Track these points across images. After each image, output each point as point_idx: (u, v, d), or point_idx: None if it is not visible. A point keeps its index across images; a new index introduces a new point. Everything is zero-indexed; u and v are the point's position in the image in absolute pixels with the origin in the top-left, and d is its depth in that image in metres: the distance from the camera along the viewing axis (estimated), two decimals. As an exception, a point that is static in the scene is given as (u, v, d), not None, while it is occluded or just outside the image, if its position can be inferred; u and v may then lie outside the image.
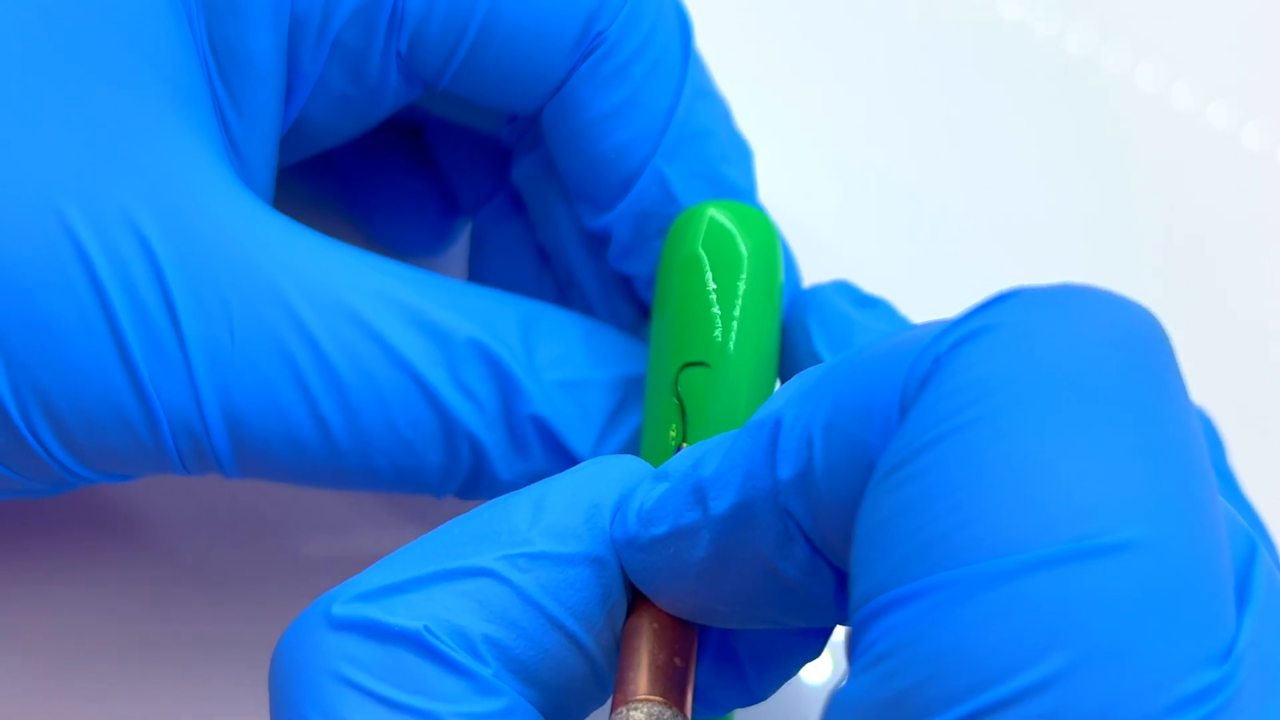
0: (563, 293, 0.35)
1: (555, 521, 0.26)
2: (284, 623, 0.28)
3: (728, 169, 0.32)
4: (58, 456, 0.29)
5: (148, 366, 0.28)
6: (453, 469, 0.30)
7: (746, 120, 0.34)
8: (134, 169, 0.29)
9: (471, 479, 0.31)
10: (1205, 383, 0.29)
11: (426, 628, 0.24)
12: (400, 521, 0.38)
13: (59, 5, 0.29)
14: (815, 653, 0.28)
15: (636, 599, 0.26)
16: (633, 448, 0.31)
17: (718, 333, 0.30)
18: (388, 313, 0.30)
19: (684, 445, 0.30)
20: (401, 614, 0.24)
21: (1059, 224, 0.43)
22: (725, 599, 0.25)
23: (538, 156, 0.34)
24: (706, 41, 0.33)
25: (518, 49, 0.31)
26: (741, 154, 0.32)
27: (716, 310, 0.30)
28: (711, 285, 0.30)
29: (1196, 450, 0.20)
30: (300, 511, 0.38)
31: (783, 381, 0.32)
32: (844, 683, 0.21)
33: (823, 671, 0.37)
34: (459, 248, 0.40)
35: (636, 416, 0.32)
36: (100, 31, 0.29)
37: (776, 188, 0.36)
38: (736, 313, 0.30)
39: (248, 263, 0.29)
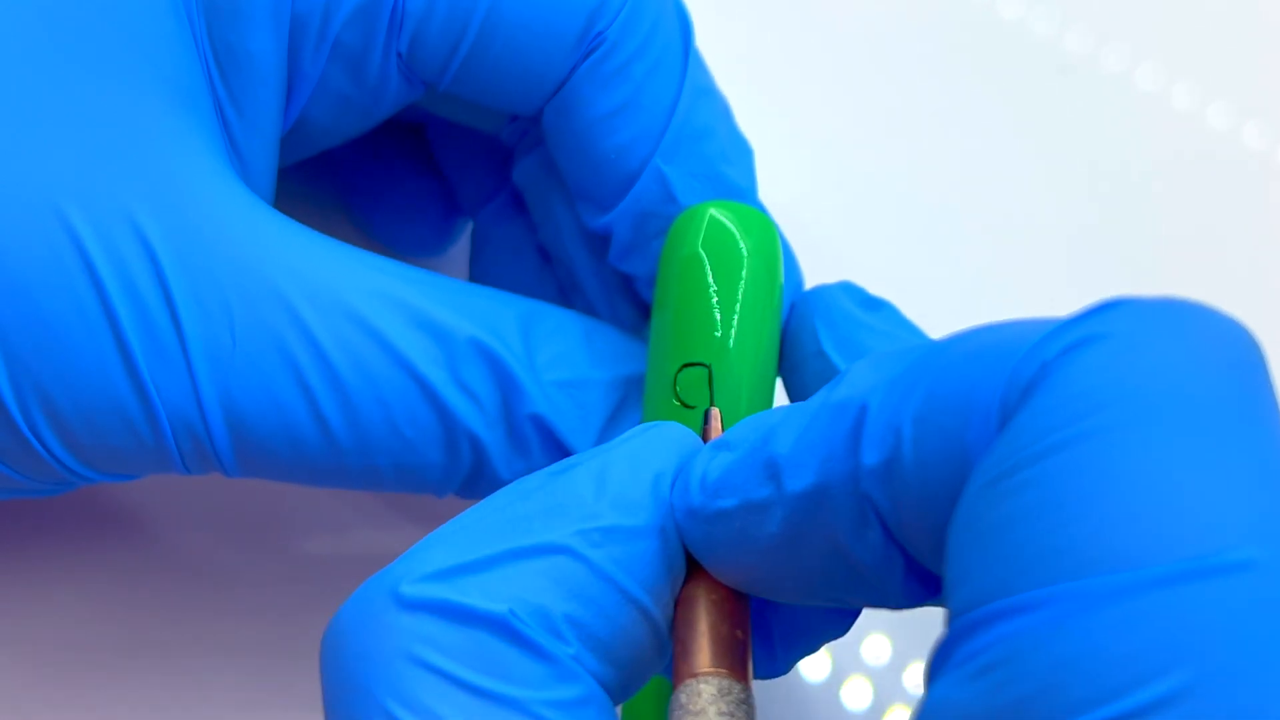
0: (564, 292, 0.35)
1: (621, 493, 0.25)
2: (284, 623, 0.28)
3: (728, 168, 0.32)
4: (59, 456, 0.29)
5: (149, 366, 0.28)
6: (453, 468, 0.30)
7: (746, 120, 0.34)
8: (135, 169, 0.29)
9: (472, 478, 0.31)
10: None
11: (512, 611, 0.23)
12: (400, 521, 0.38)
13: (59, 5, 0.29)
14: (842, 631, 0.28)
15: (690, 568, 0.26)
16: (633, 447, 0.31)
17: (718, 332, 0.30)
18: (388, 312, 0.30)
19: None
20: (479, 595, 0.23)
21: (1059, 224, 0.43)
22: (789, 575, 0.25)
23: (539, 156, 0.34)
24: (706, 41, 0.33)
25: (518, 49, 0.31)
26: (742, 153, 0.32)
27: (717, 310, 0.30)
28: (712, 285, 0.30)
29: None
30: (300, 511, 0.38)
31: (785, 382, 0.32)
32: (935, 689, 0.20)
33: (822, 670, 0.37)
34: (460, 248, 0.40)
35: (636, 416, 0.32)
36: (100, 31, 0.29)
37: (777, 187, 0.36)
38: (737, 312, 0.30)
39: (248, 262, 0.29)
